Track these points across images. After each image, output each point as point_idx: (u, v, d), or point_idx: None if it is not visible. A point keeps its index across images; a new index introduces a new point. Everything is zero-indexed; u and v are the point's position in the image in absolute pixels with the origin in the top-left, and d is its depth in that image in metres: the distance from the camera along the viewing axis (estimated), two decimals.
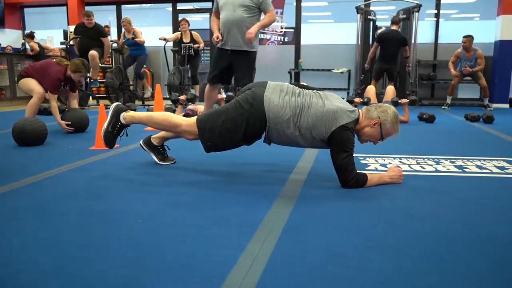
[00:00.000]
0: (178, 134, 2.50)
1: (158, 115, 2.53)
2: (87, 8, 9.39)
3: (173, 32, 8.77)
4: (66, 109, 4.47)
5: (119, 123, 2.51)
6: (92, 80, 7.34)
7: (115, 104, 2.56)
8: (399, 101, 5.09)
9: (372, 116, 2.28)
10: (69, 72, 4.15)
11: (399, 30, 6.94)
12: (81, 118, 4.24)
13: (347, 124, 2.20)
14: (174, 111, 5.04)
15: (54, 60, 4.31)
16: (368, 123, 2.28)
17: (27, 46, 9.20)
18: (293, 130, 2.24)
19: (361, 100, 5.28)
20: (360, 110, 2.34)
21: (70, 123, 4.12)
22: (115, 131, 2.52)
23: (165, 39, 7.36)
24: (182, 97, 5.17)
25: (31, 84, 4.14)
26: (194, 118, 2.40)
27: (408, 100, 5.10)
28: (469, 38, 6.96)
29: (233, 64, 3.97)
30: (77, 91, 4.56)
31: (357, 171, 2.22)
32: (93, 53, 6.65)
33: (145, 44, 7.59)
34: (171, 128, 2.48)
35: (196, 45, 7.23)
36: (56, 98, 4.14)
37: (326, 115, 2.20)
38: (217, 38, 3.90)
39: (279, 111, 2.22)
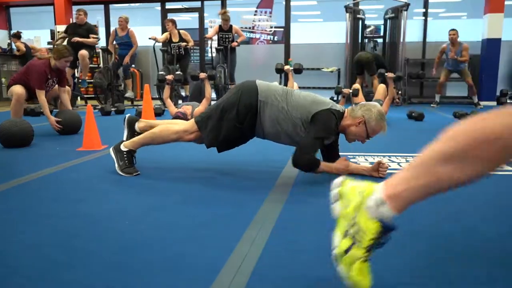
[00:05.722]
0: (180, 138, 2.47)
1: (156, 129, 2.52)
2: (74, 7, 9.28)
3: (162, 32, 8.71)
4: (58, 111, 4.37)
5: (124, 154, 2.48)
6: (80, 80, 7.26)
7: (113, 147, 2.53)
8: (386, 74, 4.86)
9: (357, 115, 2.32)
10: (53, 61, 4.02)
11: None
12: (72, 119, 4.14)
13: (332, 108, 2.29)
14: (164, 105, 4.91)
15: (35, 58, 4.25)
16: (353, 122, 2.32)
17: (14, 46, 9.07)
18: (283, 104, 2.31)
19: (349, 91, 5.10)
20: (346, 109, 2.39)
21: (60, 120, 3.99)
22: (127, 161, 2.48)
23: (155, 39, 7.30)
24: (169, 77, 4.94)
25: (12, 89, 4.04)
26: (192, 120, 2.49)
27: (393, 75, 4.85)
28: (455, 30, 7.07)
29: None
30: (67, 86, 4.42)
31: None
32: (83, 52, 6.54)
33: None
34: (171, 135, 2.46)
35: (183, 44, 7.18)
36: (43, 93, 3.99)
37: (312, 101, 2.32)
38: None
39: (269, 86, 2.39)
